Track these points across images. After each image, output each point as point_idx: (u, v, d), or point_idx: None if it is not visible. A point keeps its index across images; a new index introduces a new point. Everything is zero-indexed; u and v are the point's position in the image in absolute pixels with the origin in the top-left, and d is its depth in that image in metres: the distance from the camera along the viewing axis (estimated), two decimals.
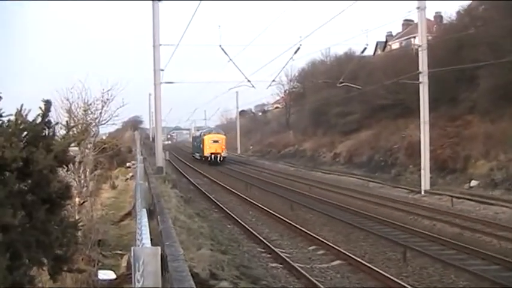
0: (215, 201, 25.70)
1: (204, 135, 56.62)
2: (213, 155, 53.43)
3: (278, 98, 79.22)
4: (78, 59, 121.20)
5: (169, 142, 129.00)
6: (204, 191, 29.57)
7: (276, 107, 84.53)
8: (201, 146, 55.58)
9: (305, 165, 47.93)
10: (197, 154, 59.62)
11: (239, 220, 20.19)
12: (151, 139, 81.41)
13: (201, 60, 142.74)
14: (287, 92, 71.28)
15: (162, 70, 31.30)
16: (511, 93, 26.48)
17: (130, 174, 33.98)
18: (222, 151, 54.21)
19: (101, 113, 18.79)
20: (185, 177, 39.04)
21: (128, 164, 40.88)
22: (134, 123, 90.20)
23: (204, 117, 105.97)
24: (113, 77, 30.64)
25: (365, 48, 35.01)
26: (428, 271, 13.08)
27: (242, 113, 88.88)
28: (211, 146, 54.05)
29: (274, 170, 44.93)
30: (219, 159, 53.08)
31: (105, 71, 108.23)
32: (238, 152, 74.79)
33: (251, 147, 75.91)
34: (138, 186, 13.37)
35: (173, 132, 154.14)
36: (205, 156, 54.03)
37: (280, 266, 13.78)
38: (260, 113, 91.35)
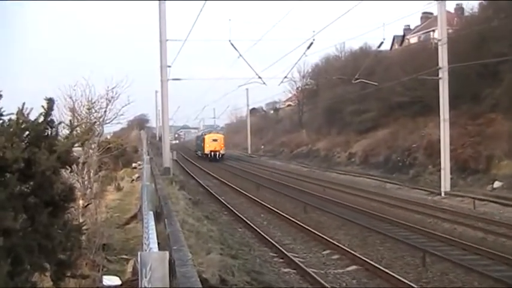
0: (225, 203, 25.72)
1: (205, 134, 66.85)
2: (212, 152, 61.89)
3: (290, 95, 79.13)
4: (81, 56, 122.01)
5: (177, 141, 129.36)
6: (213, 193, 29.60)
7: (288, 105, 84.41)
8: (202, 144, 64.40)
9: (319, 166, 47.89)
10: (199, 152, 67.42)
11: (250, 223, 20.18)
12: (158, 138, 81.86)
13: (210, 56, 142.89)
14: (300, 89, 71.24)
15: (169, 66, 31.37)
16: None
17: (136, 175, 34.06)
18: (221, 149, 62.85)
19: (105, 111, 18.88)
20: (193, 178, 39.12)
21: (133, 165, 40.97)
22: (140, 122, 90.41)
23: (213, 116, 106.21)
24: (118, 74, 30.75)
25: (381, 43, 34.80)
26: (449, 277, 12.97)
27: (253, 111, 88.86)
28: (211, 144, 62.75)
29: (286, 171, 44.92)
30: (218, 156, 61.35)
31: (110, 68, 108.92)
32: (249, 151, 75.00)
33: (262, 147, 76.04)
34: (144, 187, 13.38)
35: (181, 131, 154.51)
36: (205, 154, 62.44)
37: (293, 271, 13.74)
38: (271, 111, 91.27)
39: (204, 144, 63.36)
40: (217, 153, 61.84)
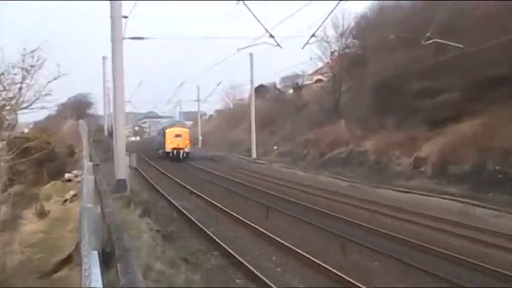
0: (214, 237, 25.69)
1: (166, 128, 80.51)
2: (175, 151, 75.91)
3: (321, 64, 79.10)
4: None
5: (138, 138, 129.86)
6: (196, 221, 29.55)
7: (317, 80, 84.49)
8: (163, 140, 78.23)
9: (365, 178, 47.87)
10: (160, 150, 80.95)
11: (255, 270, 20.13)
12: (107, 133, 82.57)
13: (193, 6, 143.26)
14: (336, 54, 71.12)
15: (126, 17, 31.23)
16: None
17: (72, 192, 34.18)
18: (186, 146, 77.00)
19: (20, 88, 18.81)
20: (164, 196, 39.09)
21: (67, 175, 41.16)
22: (79, 107, 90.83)
23: (196, 98, 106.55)
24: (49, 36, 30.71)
25: None
26: None
27: (260, 89, 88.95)
28: (174, 140, 76.61)
29: (313, 186, 44.91)
30: (182, 155, 75.36)
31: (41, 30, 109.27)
32: (254, 155, 74.50)
33: (275, 148, 76.03)
34: (84, 212, 13.38)
35: (144, 122, 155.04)
36: (166, 152, 76.17)
37: None
38: (290, 91, 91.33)
39: (165, 141, 77.18)
40: (181, 151, 76.18)
